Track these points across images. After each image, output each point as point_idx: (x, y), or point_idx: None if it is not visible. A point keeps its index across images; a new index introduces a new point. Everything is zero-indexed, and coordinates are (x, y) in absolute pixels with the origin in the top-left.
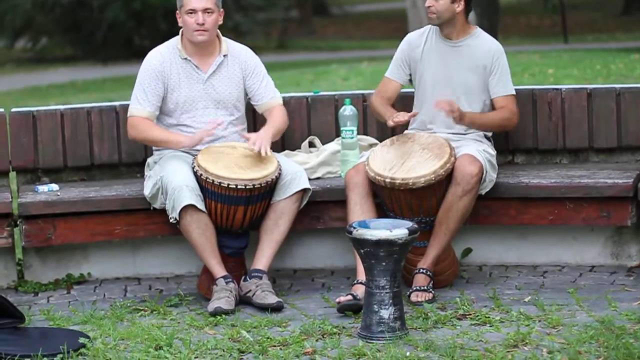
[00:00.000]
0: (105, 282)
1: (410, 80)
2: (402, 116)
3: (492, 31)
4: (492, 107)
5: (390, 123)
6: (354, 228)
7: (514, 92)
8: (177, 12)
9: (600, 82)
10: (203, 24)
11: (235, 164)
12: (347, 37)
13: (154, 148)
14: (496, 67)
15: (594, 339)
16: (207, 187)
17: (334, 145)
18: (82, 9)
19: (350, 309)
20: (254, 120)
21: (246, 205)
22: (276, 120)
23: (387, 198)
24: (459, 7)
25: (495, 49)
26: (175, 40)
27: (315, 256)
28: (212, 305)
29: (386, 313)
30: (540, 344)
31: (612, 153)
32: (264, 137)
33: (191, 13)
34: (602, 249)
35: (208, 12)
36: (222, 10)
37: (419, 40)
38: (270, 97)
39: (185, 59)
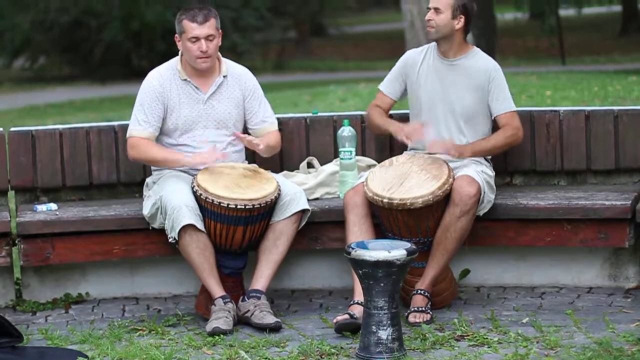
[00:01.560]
0: (103, 302)
1: (402, 97)
2: (413, 129)
3: (490, 52)
4: (496, 125)
5: (408, 142)
6: (353, 249)
7: (514, 108)
8: (177, 35)
9: (597, 104)
10: (206, 51)
11: (235, 184)
12: (345, 58)
13: (152, 168)
14: (493, 85)
15: None
16: (207, 207)
17: (332, 166)
18: (81, 28)
19: (348, 328)
20: None
21: (245, 225)
22: (270, 139)
23: (385, 218)
24: (459, 24)
25: (491, 67)
26: (175, 61)
27: (314, 277)
28: (210, 325)
29: (384, 334)
30: None
31: (609, 175)
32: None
33: (194, 41)
34: (600, 271)
35: (210, 39)
36: (220, 31)
37: (417, 57)
38: (265, 123)
39: (185, 79)
